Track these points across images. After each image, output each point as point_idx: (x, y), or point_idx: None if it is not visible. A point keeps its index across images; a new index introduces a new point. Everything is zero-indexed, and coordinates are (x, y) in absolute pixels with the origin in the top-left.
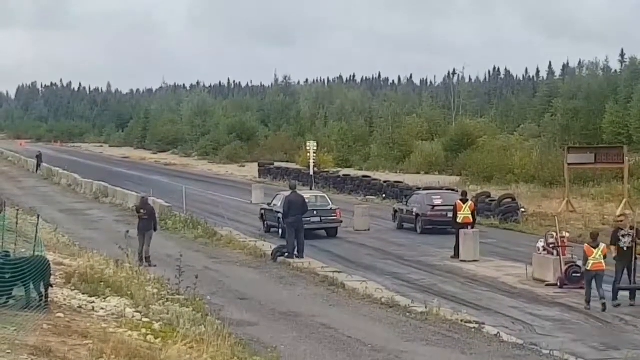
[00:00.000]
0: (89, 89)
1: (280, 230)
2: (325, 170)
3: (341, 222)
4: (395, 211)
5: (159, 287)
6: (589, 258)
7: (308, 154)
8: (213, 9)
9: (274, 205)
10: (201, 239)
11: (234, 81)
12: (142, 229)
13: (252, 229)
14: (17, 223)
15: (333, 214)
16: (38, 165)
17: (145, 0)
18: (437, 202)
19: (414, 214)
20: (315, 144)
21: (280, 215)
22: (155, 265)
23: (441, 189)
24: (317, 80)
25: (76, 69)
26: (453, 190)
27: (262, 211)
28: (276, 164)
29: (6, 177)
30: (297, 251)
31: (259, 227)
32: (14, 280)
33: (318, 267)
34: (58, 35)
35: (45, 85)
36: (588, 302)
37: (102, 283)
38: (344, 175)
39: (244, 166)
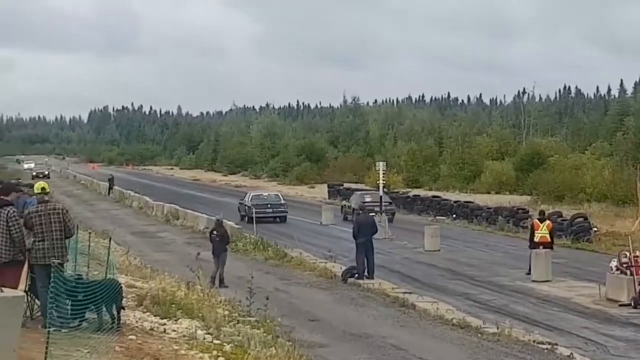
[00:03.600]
0: (160, 112)
1: (246, 218)
2: (395, 190)
3: (286, 212)
4: (342, 207)
5: (230, 309)
6: None
7: (377, 175)
8: (281, 32)
9: (244, 200)
10: (271, 260)
11: (303, 103)
12: (216, 251)
13: (323, 250)
14: (89, 246)
15: (282, 207)
16: (110, 188)
17: (215, 25)
18: (367, 199)
19: (351, 208)
20: (385, 165)
21: (246, 206)
22: (227, 287)
23: (370, 190)
24: (386, 101)
25: (147, 93)
26: (386, 191)
27: (239, 205)
28: (345, 185)
29: (79, 200)
30: (367, 272)
31: (329, 248)
32: (86, 303)
33: (388, 288)
34: (129, 60)
35: (116, 109)
36: None
37: (174, 305)
38: (413, 195)
39: (313, 187)
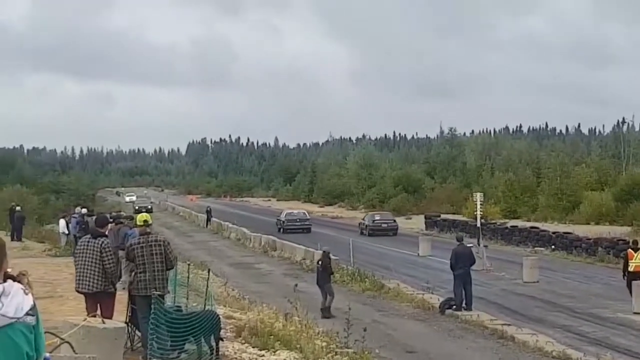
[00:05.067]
0: (257, 143)
1: (281, 229)
2: (493, 221)
3: (310, 225)
4: (359, 224)
5: (327, 340)
6: None
7: (475, 206)
8: (378, 63)
9: (280, 217)
10: (369, 291)
11: (400, 134)
12: (319, 281)
13: (420, 282)
14: (188, 277)
15: (307, 222)
16: (208, 220)
17: (311, 57)
18: (377, 218)
19: (366, 225)
20: (482, 196)
21: (281, 221)
22: (333, 317)
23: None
24: (483, 131)
25: (244, 125)
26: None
27: (276, 220)
28: (443, 216)
29: (178, 231)
30: (465, 303)
31: (426, 280)
32: (186, 334)
33: (487, 320)
34: (226, 92)
35: (214, 141)
36: None
37: (272, 336)
38: (511, 226)
39: (410, 218)
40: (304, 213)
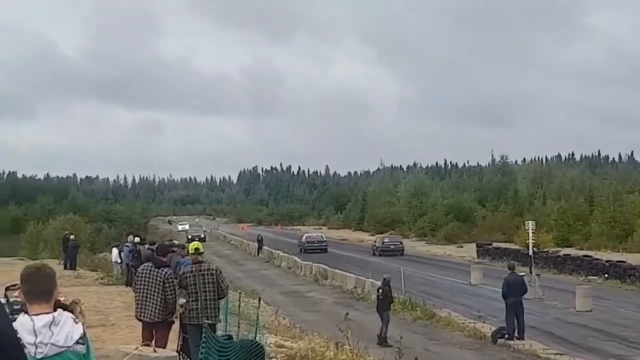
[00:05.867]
0: (308, 172)
1: (302, 249)
2: (545, 250)
3: (327, 246)
4: (372, 246)
5: None
6: None
7: (527, 234)
8: (429, 91)
9: (302, 239)
10: (420, 320)
11: (451, 162)
12: (378, 309)
13: (472, 310)
14: (239, 306)
15: (324, 243)
16: (259, 249)
17: (362, 85)
18: (386, 240)
19: (377, 247)
20: (534, 224)
21: (302, 242)
22: (389, 346)
23: (393, 234)
24: (534, 159)
25: (295, 153)
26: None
27: (298, 242)
28: (494, 244)
29: (229, 260)
30: (518, 332)
31: (478, 308)
32: None
33: (539, 349)
34: (277, 120)
35: (265, 170)
36: None
37: None
38: (564, 255)
39: (461, 247)
40: (321, 236)
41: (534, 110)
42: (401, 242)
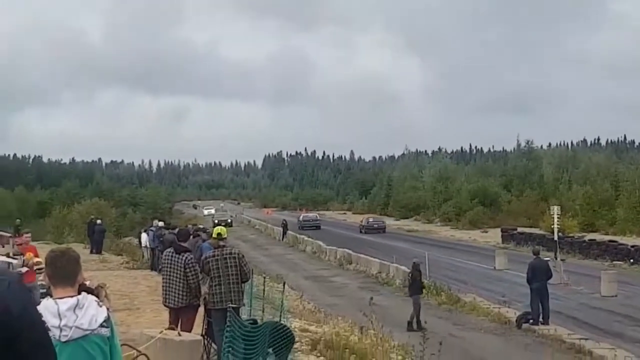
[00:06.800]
0: (333, 157)
1: (299, 227)
2: (570, 235)
3: (319, 223)
4: (359, 225)
5: (403, 354)
6: None
7: (552, 219)
8: (454, 77)
9: (299, 218)
10: (445, 305)
11: (476, 147)
12: (409, 294)
13: (496, 295)
14: (264, 290)
15: (317, 221)
16: (284, 233)
17: (386, 70)
18: (370, 220)
19: (363, 225)
20: (559, 209)
21: (300, 221)
22: (414, 331)
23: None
24: (560, 144)
25: (320, 138)
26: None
27: (297, 220)
28: (519, 229)
29: (253, 244)
30: (542, 318)
31: (503, 293)
32: (260, 347)
33: (564, 334)
34: (302, 106)
35: (290, 155)
36: None
37: (347, 350)
38: (589, 240)
39: (486, 232)
40: (315, 216)
41: (560, 96)
42: (383, 222)
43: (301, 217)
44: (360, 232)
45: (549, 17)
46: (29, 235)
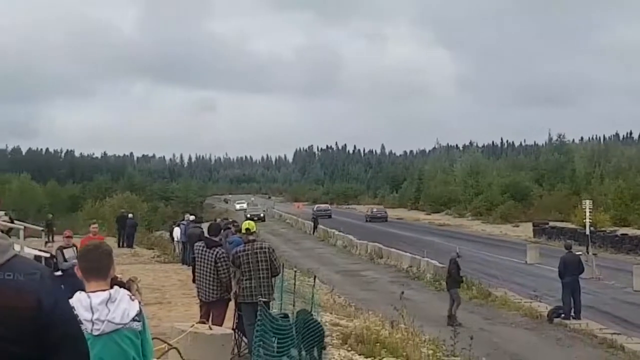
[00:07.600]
0: (364, 151)
1: (313, 217)
2: (602, 229)
3: (331, 212)
4: (365, 215)
5: (434, 348)
6: None
7: (584, 213)
8: (486, 71)
9: (314, 208)
10: (476, 299)
11: (507, 141)
12: (447, 287)
13: (528, 290)
14: (295, 284)
15: (329, 211)
16: (315, 227)
17: (417, 64)
18: (374, 210)
19: (367, 215)
20: (591, 203)
21: (314, 211)
22: (452, 325)
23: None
24: (592, 138)
25: (351, 132)
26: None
27: (312, 211)
28: (551, 224)
29: (284, 238)
30: (574, 312)
31: (534, 288)
32: (291, 342)
33: (596, 329)
34: (333, 100)
35: (321, 149)
36: None
37: (378, 344)
38: (621, 234)
39: (518, 226)
40: (328, 206)
41: (592, 90)
42: (385, 212)
43: (315, 208)
44: (366, 220)
45: (581, 7)
46: (96, 226)
